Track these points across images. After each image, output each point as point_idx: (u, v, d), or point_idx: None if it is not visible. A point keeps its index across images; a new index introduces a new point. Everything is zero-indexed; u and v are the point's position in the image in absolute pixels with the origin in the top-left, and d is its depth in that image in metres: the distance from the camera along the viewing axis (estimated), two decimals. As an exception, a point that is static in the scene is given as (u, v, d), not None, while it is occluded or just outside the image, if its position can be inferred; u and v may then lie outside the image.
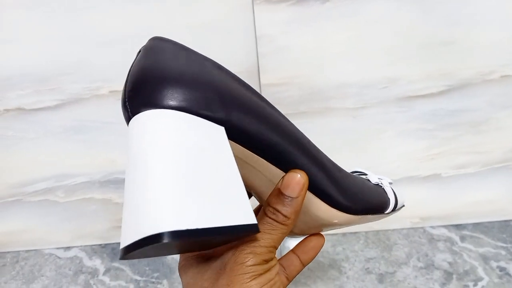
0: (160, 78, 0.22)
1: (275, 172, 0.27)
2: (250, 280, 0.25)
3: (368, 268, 0.57)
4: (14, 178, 0.60)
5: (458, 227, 0.62)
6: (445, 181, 0.59)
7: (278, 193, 0.26)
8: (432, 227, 0.62)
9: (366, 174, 0.38)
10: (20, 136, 0.57)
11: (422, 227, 0.62)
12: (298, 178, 0.26)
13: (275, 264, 0.27)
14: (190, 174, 0.20)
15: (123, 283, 0.58)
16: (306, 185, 0.27)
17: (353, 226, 0.62)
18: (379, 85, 0.53)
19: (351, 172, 0.37)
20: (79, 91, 0.54)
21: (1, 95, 0.54)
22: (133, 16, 0.50)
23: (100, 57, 0.52)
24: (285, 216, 0.26)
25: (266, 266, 0.26)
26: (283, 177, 0.26)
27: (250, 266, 0.25)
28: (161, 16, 0.50)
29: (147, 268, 0.60)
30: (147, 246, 0.18)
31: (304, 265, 0.34)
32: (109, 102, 0.54)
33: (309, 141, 0.29)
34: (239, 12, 0.49)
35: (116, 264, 0.61)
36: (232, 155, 0.22)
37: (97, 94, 0.54)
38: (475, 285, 0.53)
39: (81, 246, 0.65)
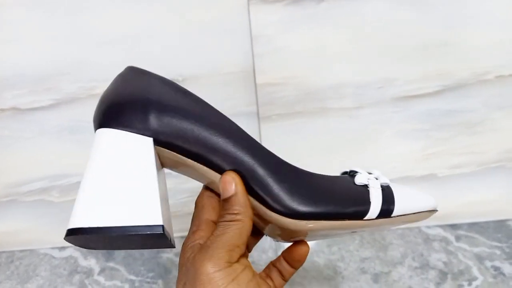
0: (102, 103, 0.29)
1: (212, 173, 0.29)
2: (224, 286, 0.25)
3: (363, 268, 0.57)
4: (9, 178, 0.59)
5: (453, 227, 0.62)
6: (440, 181, 0.60)
7: (222, 202, 0.28)
8: (427, 227, 0.63)
9: (356, 173, 0.34)
10: (16, 135, 0.56)
11: (417, 227, 0.63)
12: (227, 177, 0.28)
13: (243, 269, 0.27)
14: (105, 181, 0.26)
15: (118, 283, 0.58)
16: (238, 180, 0.28)
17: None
18: (375, 85, 0.53)
19: (344, 172, 0.35)
20: (75, 91, 0.54)
21: (-4, 95, 0.53)
22: (129, 17, 0.50)
23: (96, 57, 0.52)
24: (232, 213, 0.27)
25: (232, 269, 0.26)
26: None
27: (211, 273, 0.25)
28: (156, 17, 0.50)
29: (142, 268, 0.60)
30: (70, 236, 0.26)
31: (295, 269, 0.34)
32: (105, 102, 0.54)
33: (240, 146, 0.29)
34: (235, 12, 0.49)
35: (111, 264, 0.61)
36: (153, 163, 0.27)
37: (93, 94, 0.53)
38: (469, 284, 0.53)
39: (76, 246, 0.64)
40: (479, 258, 0.57)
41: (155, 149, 0.28)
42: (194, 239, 0.29)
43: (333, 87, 0.53)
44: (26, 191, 0.60)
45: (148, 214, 0.25)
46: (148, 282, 0.58)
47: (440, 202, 0.62)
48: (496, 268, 0.55)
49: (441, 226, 0.62)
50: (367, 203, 0.31)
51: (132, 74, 0.30)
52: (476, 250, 0.58)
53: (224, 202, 0.28)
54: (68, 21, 0.50)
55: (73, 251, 0.64)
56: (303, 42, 0.50)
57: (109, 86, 0.30)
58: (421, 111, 0.55)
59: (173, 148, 0.28)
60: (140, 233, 0.25)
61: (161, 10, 0.49)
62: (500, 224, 0.62)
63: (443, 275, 0.55)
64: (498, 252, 0.58)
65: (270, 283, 0.34)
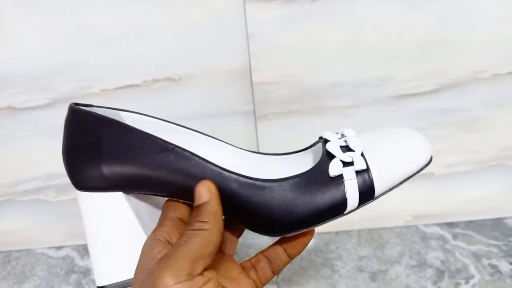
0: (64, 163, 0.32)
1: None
2: None
3: (360, 266, 0.57)
4: (4, 178, 0.59)
5: (450, 225, 0.62)
6: (438, 180, 0.59)
7: (194, 208, 0.27)
8: (425, 225, 0.63)
9: (329, 141, 0.32)
10: (11, 135, 0.56)
11: (415, 225, 0.63)
12: (203, 185, 0.27)
13: (207, 281, 0.25)
14: (101, 242, 0.29)
15: (115, 283, 0.58)
16: (213, 187, 0.27)
17: (345, 224, 0.62)
18: (372, 84, 0.53)
19: (320, 137, 0.34)
20: (70, 90, 0.53)
21: (-9, 94, 0.53)
22: (124, 16, 0.49)
23: (91, 57, 0.52)
24: (201, 221, 0.26)
25: (192, 283, 0.24)
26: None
27: (171, 285, 0.23)
28: (152, 15, 0.49)
29: (139, 268, 0.60)
30: None
31: (291, 258, 0.33)
32: (100, 101, 0.53)
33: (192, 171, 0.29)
34: (231, 11, 0.48)
35: (109, 263, 0.61)
36: (132, 215, 0.29)
37: (88, 93, 0.53)
38: (466, 282, 0.53)
39: (73, 245, 0.64)
40: (476, 256, 0.57)
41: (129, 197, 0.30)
42: (154, 236, 0.27)
43: (330, 85, 0.53)
44: (22, 191, 0.60)
45: (96, 276, 0.30)
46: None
47: (437, 200, 0.62)
48: (493, 266, 0.55)
49: (438, 225, 0.62)
50: (343, 199, 0.29)
51: (74, 120, 0.32)
52: (473, 248, 0.58)
53: (194, 209, 0.27)
54: (64, 20, 0.50)
55: (70, 250, 0.64)
56: (299, 40, 0.50)
57: (66, 139, 0.33)
58: (418, 109, 0.55)
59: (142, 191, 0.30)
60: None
61: (156, 8, 0.49)
62: (497, 222, 0.62)
63: (440, 273, 0.55)
64: (495, 250, 0.57)
65: (254, 275, 0.32)
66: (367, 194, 0.29)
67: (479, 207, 0.62)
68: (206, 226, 0.26)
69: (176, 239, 0.28)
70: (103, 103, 0.53)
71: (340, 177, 0.29)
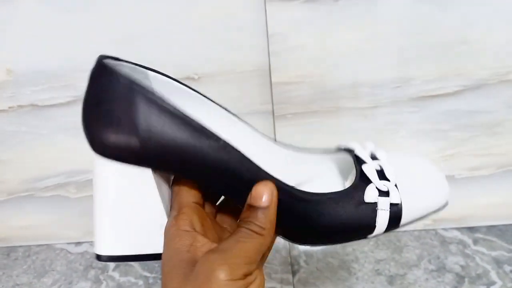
0: (85, 126, 0.29)
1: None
2: None
3: (378, 269, 0.56)
4: (26, 174, 0.60)
5: (471, 229, 0.61)
6: (458, 183, 0.58)
7: (249, 207, 0.26)
8: (444, 229, 0.61)
9: (364, 163, 0.31)
10: (33, 132, 0.57)
11: (434, 229, 0.62)
12: (266, 187, 0.26)
13: (253, 280, 0.25)
14: (118, 213, 0.27)
15: (132, 279, 0.58)
16: (275, 193, 0.26)
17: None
18: (392, 85, 0.52)
19: (338, 148, 0.34)
20: (91, 87, 0.54)
21: (15, 91, 0.54)
22: (146, 14, 0.50)
23: (113, 54, 0.52)
24: (260, 227, 0.25)
25: (243, 283, 0.24)
26: (251, 191, 0.26)
27: (224, 280, 0.23)
28: (172, 14, 0.50)
29: (156, 265, 0.60)
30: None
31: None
32: (121, 99, 0.54)
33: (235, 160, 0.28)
34: (251, 10, 0.49)
35: (126, 260, 0.62)
36: (156, 192, 0.27)
37: (109, 91, 0.54)
38: (487, 289, 0.52)
39: (91, 241, 0.65)
40: (498, 262, 0.56)
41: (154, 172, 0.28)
42: (178, 225, 0.26)
43: (349, 86, 0.52)
44: (43, 187, 0.61)
45: (96, 244, 0.28)
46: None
47: (458, 204, 0.61)
48: (515, 273, 0.54)
49: (458, 229, 0.61)
50: (372, 226, 0.29)
51: (104, 77, 0.27)
52: (494, 253, 0.57)
53: (252, 209, 0.26)
54: (85, 19, 0.50)
55: (88, 246, 0.65)
56: (319, 40, 0.50)
57: (89, 94, 0.29)
58: (439, 111, 0.54)
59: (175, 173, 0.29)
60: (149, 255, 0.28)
61: (177, 7, 0.49)
62: (519, 228, 0.60)
63: (460, 278, 0.54)
64: (517, 256, 0.56)
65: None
66: (393, 225, 0.30)
67: (501, 211, 0.60)
68: (264, 232, 0.25)
69: (199, 226, 0.27)
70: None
71: (374, 204, 0.29)
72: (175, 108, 0.26)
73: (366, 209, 0.29)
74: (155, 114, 0.25)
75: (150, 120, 0.25)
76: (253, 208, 0.26)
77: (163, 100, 0.26)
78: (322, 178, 0.34)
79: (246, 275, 0.24)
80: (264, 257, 0.27)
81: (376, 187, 0.29)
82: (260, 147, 0.33)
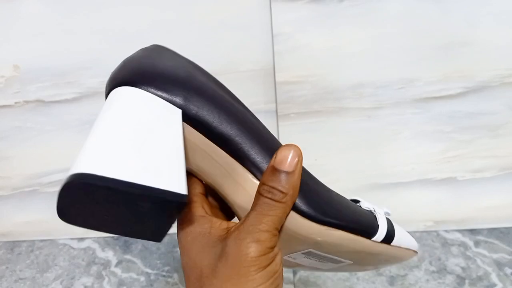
0: (130, 64, 0.26)
1: (234, 166, 0.26)
2: (256, 273, 0.23)
3: (378, 270, 0.56)
4: (31, 169, 0.61)
5: (472, 232, 0.61)
6: (461, 185, 0.58)
7: (273, 169, 0.25)
8: (446, 231, 0.62)
9: (358, 201, 0.34)
10: (38, 128, 0.58)
11: (435, 231, 0.62)
12: (292, 151, 0.25)
13: (278, 252, 0.25)
14: (125, 133, 0.22)
15: (134, 275, 0.59)
16: (301, 159, 0.25)
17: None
18: (395, 86, 0.52)
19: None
20: (96, 85, 0.55)
21: (21, 87, 0.55)
22: (151, 13, 0.50)
23: (117, 53, 0.53)
24: (283, 193, 0.24)
25: (271, 255, 0.24)
26: (276, 153, 0.25)
27: (255, 257, 0.23)
28: (177, 13, 0.50)
29: (158, 262, 0.61)
30: (70, 185, 0.20)
31: None
32: (125, 97, 0.54)
33: (273, 141, 0.28)
34: (256, 10, 0.49)
35: (128, 256, 0.62)
36: (180, 135, 0.24)
37: (114, 88, 0.54)
38: (488, 291, 0.52)
39: (94, 237, 0.66)
40: (499, 265, 0.56)
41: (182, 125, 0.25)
42: (193, 212, 0.26)
43: (352, 86, 0.53)
44: (47, 182, 0.62)
45: (173, 180, 0.21)
46: (164, 276, 0.58)
47: (460, 206, 0.61)
48: (516, 275, 0.54)
49: (459, 231, 0.61)
50: (375, 225, 0.31)
51: (168, 53, 0.28)
52: (496, 256, 0.57)
53: (275, 172, 0.24)
54: (91, 17, 0.51)
55: (91, 242, 0.65)
56: (323, 40, 0.50)
57: (137, 54, 0.27)
58: (442, 112, 0.54)
59: (202, 128, 0.25)
60: (163, 197, 0.21)
61: (182, 6, 0.50)
62: (521, 231, 0.60)
63: (460, 280, 0.54)
64: (518, 259, 0.56)
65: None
66: (391, 231, 0.32)
67: (502, 214, 0.60)
68: (286, 199, 0.24)
69: (209, 211, 0.27)
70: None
71: (370, 212, 0.32)
72: None
73: (366, 211, 0.32)
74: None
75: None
76: (276, 171, 0.24)
77: None
78: None
79: (272, 248, 0.24)
80: None
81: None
82: None
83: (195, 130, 0.25)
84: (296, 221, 0.26)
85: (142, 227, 0.24)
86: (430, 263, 0.57)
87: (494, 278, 0.54)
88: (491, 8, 0.48)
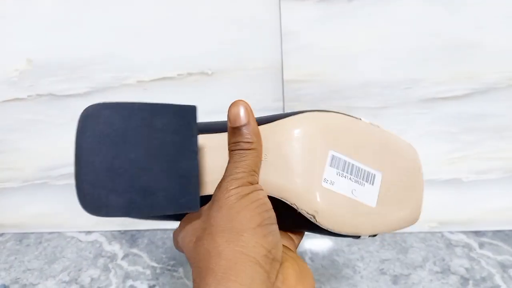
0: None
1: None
2: (237, 201, 0.26)
3: (382, 269, 0.57)
4: (42, 162, 0.62)
5: (477, 233, 0.61)
6: (466, 186, 0.59)
7: (232, 129, 0.28)
8: (450, 232, 0.62)
9: None
10: (50, 121, 0.59)
11: (440, 232, 0.62)
12: (240, 106, 0.27)
13: (260, 188, 0.27)
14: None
15: (140, 269, 0.60)
16: (249, 108, 0.28)
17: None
18: (402, 86, 0.53)
19: None
20: (108, 80, 0.56)
21: (35, 81, 0.56)
22: (163, 10, 0.51)
23: (130, 48, 0.54)
24: (248, 142, 0.27)
25: (251, 187, 0.27)
26: (227, 115, 0.28)
27: (234, 189, 0.26)
28: (188, 11, 0.51)
29: (164, 256, 0.61)
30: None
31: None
32: (136, 92, 0.56)
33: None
34: (266, 9, 0.50)
35: (135, 250, 0.63)
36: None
37: (125, 84, 0.55)
38: (492, 292, 0.52)
39: (101, 231, 0.67)
40: (503, 266, 0.56)
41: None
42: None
43: (359, 86, 0.53)
44: (58, 175, 0.63)
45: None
46: (169, 270, 0.59)
47: (464, 207, 0.61)
48: (520, 277, 0.54)
49: (464, 232, 0.61)
50: None
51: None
52: (500, 258, 0.57)
53: (235, 130, 0.28)
54: (103, 13, 0.52)
55: (98, 236, 0.66)
56: (331, 39, 0.51)
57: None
58: (448, 113, 0.54)
59: None
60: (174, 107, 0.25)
61: (193, 4, 0.50)
62: (526, 234, 0.60)
63: (464, 281, 0.54)
64: (523, 261, 0.56)
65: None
66: None
67: (507, 216, 0.60)
68: (253, 145, 0.27)
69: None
70: (138, 94, 0.56)
71: None
72: None
73: None
74: None
75: None
76: (235, 129, 0.28)
77: None
78: None
79: (251, 183, 0.27)
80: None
81: None
82: None
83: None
84: (287, 123, 0.29)
85: (170, 176, 0.25)
86: (434, 263, 0.57)
87: (498, 279, 0.54)
88: (499, 11, 0.48)
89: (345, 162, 0.29)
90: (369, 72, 0.53)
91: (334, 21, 0.50)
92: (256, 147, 0.28)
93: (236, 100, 0.28)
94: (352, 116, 0.30)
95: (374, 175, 0.30)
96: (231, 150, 0.28)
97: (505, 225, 0.61)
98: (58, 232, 0.67)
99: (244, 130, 0.27)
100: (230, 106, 0.28)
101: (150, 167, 0.24)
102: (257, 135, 0.28)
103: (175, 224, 0.31)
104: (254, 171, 0.27)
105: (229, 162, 0.28)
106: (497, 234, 0.61)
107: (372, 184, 0.30)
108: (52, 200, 0.65)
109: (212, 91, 0.55)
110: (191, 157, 0.25)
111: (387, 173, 0.31)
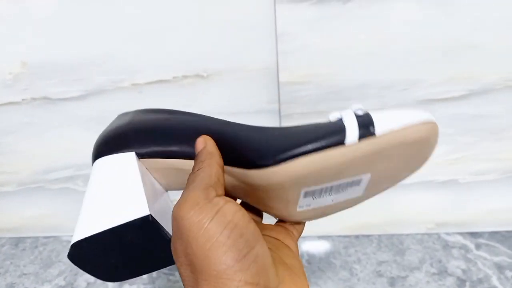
0: (97, 141, 0.33)
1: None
2: (203, 230, 0.23)
3: (379, 271, 0.57)
4: (37, 165, 0.62)
5: (474, 235, 0.61)
6: (462, 187, 0.59)
7: (195, 156, 0.28)
8: (447, 233, 0.62)
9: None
10: (45, 124, 0.59)
11: (437, 233, 0.62)
12: (199, 138, 0.29)
13: (223, 204, 0.24)
14: (96, 196, 0.29)
15: (136, 272, 0.59)
16: (208, 138, 0.29)
17: (366, 228, 0.62)
18: (399, 87, 0.53)
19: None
20: (103, 82, 0.55)
21: (29, 84, 0.56)
22: (158, 12, 0.51)
23: (124, 51, 0.53)
24: (200, 162, 0.27)
25: (212, 204, 0.24)
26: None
27: (194, 212, 0.23)
28: (182, 12, 0.51)
29: (160, 259, 0.61)
30: (73, 255, 0.28)
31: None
32: (131, 95, 0.55)
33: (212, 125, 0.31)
34: (261, 10, 0.49)
35: (131, 253, 0.63)
36: (136, 169, 0.29)
37: (120, 87, 0.55)
38: (489, 293, 0.52)
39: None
40: (499, 268, 0.56)
41: (140, 162, 0.30)
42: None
43: (356, 87, 0.53)
44: (53, 179, 0.62)
45: (136, 209, 0.27)
46: (166, 274, 0.59)
47: (461, 209, 0.61)
48: (517, 279, 0.54)
49: (461, 234, 0.61)
50: (340, 128, 0.27)
51: (119, 118, 0.34)
52: (497, 259, 0.57)
53: (195, 160, 0.28)
54: (99, 15, 0.51)
55: (94, 239, 0.66)
56: (327, 41, 0.50)
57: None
58: (445, 115, 0.54)
59: (154, 155, 0.31)
60: (133, 224, 0.27)
61: (188, 5, 0.50)
62: (523, 234, 0.61)
63: (461, 282, 0.54)
64: (520, 262, 0.56)
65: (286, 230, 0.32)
66: (366, 125, 0.27)
67: (504, 217, 0.60)
68: (204, 164, 0.27)
69: None
70: (134, 96, 0.55)
71: (339, 120, 0.28)
72: None
73: (333, 122, 0.28)
74: None
75: None
76: (195, 156, 0.28)
77: None
78: None
79: (209, 199, 0.24)
80: (220, 180, 0.27)
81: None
82: None
83: (151, 159, 0.31)
84: (254, 175, 0.27)
85: (152, 257, 0.30)
86: (431, 265, 0.57)
87: (494, 281, 0.54)
88: (497, 13, 0.48)
89: (320, 189, 0.29)
90: (366, 73, 0.52)
91: (330, 23, 0.49)
92: (208, 163, 0.27)
93: (201, 136, 0.29)
94: (334, 147, 0.26)
95: (360, 179, 0.29)
96: (190, 175, 0.27)
97: (501, 226, 0.61)
98: (54, 236, 0.67)
99: (199, 155, 0.28)
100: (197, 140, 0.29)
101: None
102: (211, 153, 0.28)
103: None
104: (210, 185, 0.25)
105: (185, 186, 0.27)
106: (493, 235, 0.61)
107: (358, 184, 0.29)
108: (48, 204, 0.65)
109: (207, 93, 0.55)
110: (165, 247, 0.27)
111: (377, 170, 0.29)
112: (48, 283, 0.59)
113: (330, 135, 0.26)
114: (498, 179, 0.58)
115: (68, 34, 0.53)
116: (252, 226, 0.24)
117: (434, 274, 0.55)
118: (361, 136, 0.26)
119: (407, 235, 0.62)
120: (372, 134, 0.27)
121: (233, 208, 0.24)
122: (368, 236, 0.62)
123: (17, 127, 0.59)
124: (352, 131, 0.27)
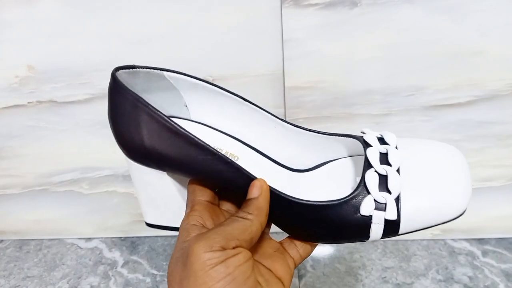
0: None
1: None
2: (209, 269, 0.24)
3: (385, 277, 0.56)
4: (42, 168, 0.62)
5: (480, 241, 0.61)
6: (468, 194, 0.58)
7: (245, 202, 0.29)
8: (453, 240, 0.61)
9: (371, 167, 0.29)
10: (51, 127, 0.59)
11: (443, 239, 0.61)
12: (256, 182, 0.29)
13: (235, 254, 0.25)
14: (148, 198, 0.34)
15: (140, 276, 0.59)
16: (265, 186, 0.29)
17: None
18: (405, 93, 0.52)
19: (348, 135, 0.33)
20: (109, 86, 0.55)
21: (36, 87, 0.56)
22: (162, 17, 0.51)
23: (130, 55, 0.54)
24: (246, 212, 0.28)
25: (223, 253, 0.25)
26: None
27: (205, 253, 0.25)
28: (189, 17, 0.51)
29: (164, 263, 0.61)
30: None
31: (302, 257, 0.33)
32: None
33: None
34: (267, 15, 0.49)
35: (135, 257, 0.63)
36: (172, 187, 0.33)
37: (126, 90, 0.55)
38: (495, 301, 0.52)
39: (102, 238, 0.66)
40: (507, 275, 0.55)
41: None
42: (188, 221, 0.29)
43: (362, 93, 0.53)
44: (58, 182, 0.62)
45: (149, 217, 0.35)
46: (169, 278, 0.59)
47: (468, 215, 0.61)
48: (525, 286, 0.53)
49: (467, 240, 0.61)
50: (365, 236, 0.29)
51: (122, 101, 0.31)
52: (504, 266, 0.57)
53: (244, 203, 0.29)
54: (104, 19, 0.52)
55: (99, 242, 0.66)
56: (333, 47, 0.50)
57: (110, 106, 0.32)
58: (451, 121, 0.54)
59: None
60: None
61: (194, 10, 0.50)
62: (530, 242, 0.60)
63: (467, 289, 0.54)
64: (527, 270, 0.56)
65: (287, 255, 0.33)
66: (390, 234, 0.29)
67: (511, 224, 0.60)
68: (249, 216, 0.28)
69: (210, 222, 0.30)
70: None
71: (369, 217, 0.28)
72: (172, 124, 0.29)
73: (361, 220, 0.28)
74: (156, 129, 0.29)
75: (151, 135, 0.29)
76: (246, 201, 0.29)
77: (162, 117, 0.29)
78: (331, 166, 0.36)
79: (224, 248, 0.25)
80: (252, 239, 0.28)
81: (374, 199, 0.28)
82: (268, 139, 0.37)
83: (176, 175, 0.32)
84: None
85: None
86: (437, 271, 0.56)
87: (502, 288, 0.53)
88: (502, 18, 0.48)
89: None
90: (372, 79, 0.52)
91: (336, 29, 0.49)
92: (252, 219, 0.28)
93: (259, 179, 0.29)
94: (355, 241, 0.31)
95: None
96: (232, 216, 0.29)
97: (508, 233, 0.60)
98: (58, 239, 0.67)
99: (249, 203, 0.28)
100: (252, 182, 0.29)
101: None
102: (259, 210, 0.28)
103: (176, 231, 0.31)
104: (236, 238, 0.26)
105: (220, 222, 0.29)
106: (500, 242, 0.60)
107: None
108: (52, 207, 0.65)
109: (213, 98, 0.55)
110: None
111: None
112: (51, 286, 0.59)
113: (353, 240, 0.30)
114: (504, 186, 0.57)
115: (74, 38, 0.53)
116: (250, 282, 0.26)
117: (440, 281, 0.55)
118: (384, 236, 0.29)
119: (413, 241, 0.62)
120: (395, 233, 0.29)
121: (238, 262, 0.25)
122: (373, 241, 0.62)
123: (22, 130, 0.59)
124: (374, 237, 0.29)
